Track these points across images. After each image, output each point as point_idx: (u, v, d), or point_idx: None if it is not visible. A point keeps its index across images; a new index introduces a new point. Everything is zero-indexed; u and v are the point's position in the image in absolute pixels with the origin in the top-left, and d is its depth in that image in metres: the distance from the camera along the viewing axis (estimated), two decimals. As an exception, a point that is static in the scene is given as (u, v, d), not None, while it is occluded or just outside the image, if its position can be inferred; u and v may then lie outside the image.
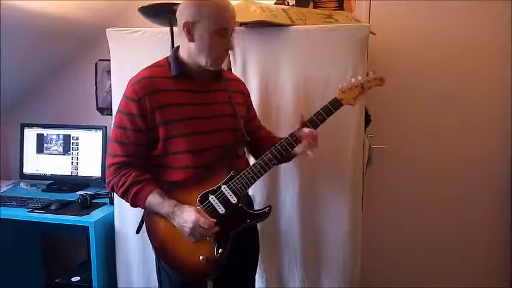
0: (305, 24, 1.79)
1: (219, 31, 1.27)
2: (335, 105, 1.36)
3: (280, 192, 1.85)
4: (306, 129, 1.33)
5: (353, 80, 1.37)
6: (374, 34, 1.79)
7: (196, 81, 1.34)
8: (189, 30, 1.26)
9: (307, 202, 1.83)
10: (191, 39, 1.27)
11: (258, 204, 1.81)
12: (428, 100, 2.20)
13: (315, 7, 2.12)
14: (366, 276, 1.97)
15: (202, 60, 1.29)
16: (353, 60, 1.71)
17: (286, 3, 2.11)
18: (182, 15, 1.28)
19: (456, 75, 2.16)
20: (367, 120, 1.94)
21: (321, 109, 1.35)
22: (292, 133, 1.34)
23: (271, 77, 1.79)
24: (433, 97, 2.19)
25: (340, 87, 1.36)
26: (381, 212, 2.28)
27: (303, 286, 1.88)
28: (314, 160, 1.70)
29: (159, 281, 1.42)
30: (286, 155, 1.35)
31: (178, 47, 1.36)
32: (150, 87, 1.26)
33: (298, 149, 1.36)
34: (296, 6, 2.09)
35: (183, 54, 1.33)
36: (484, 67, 2.14)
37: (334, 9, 2.09)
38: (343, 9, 2.11)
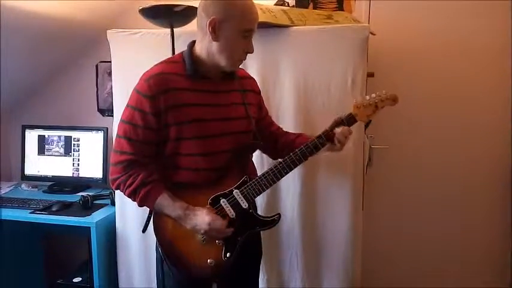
0: (305, 25, 1.79)
1: (244, 32, 1.23)
2: (350, 121, 1.34)
3: (281, 193, 1.85)
4: (341, 129, 1.32)
5: (367, 97, 1.35)
6: (374, 34, 1.80)
7: (210, 81, 1.30)
8: (215, 29, 1.20)
9: (307, 202, 1.83)
10: (215, 38, 1.22)
11: (258, 205, 1.82)
12: (429, 100, 2.20)
13: (314, 8, 2.12)
14: (366, 277, 1.97)
15: (222, 61, 1.25)
16: (353, 61, 1.71)
17: (286, 4, 2.12)
18: (207, 12, 1.21)
19: (456, 75, 2.17)
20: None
21: (336, 123, 1.34)
22: (307, 144, 1.32)
23: (271, 77, 1.80)
24: (433, 97, 2.19)
25: (355, 103, 1.34)
26: (382, 213, 2.29)
27: (303, 286, 1.88)
28: (314, 161, 1.71)
29: (162, 283, 1.38)
30: (298, 165, 1.35)
31: (193, 42, 1.31)
32: (165, 85, 1.21)
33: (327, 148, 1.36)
34: (296, 7, 2.09)
35: (200, 51, 1.27)
36: (484, 67, 2.14)
37: (334, 10, 2.09)
38: (343, 10, 2.11)
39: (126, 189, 1.25)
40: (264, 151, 1.58)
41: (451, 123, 2.20)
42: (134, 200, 1.27)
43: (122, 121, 1.27)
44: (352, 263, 1.84)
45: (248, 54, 1.31)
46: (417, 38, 2.15)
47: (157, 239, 1.31)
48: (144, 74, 1.26)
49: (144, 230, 1.38)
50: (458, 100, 2.18)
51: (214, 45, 1.24)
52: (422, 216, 2.29)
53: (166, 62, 1.31)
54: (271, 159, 1.61)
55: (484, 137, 2.19)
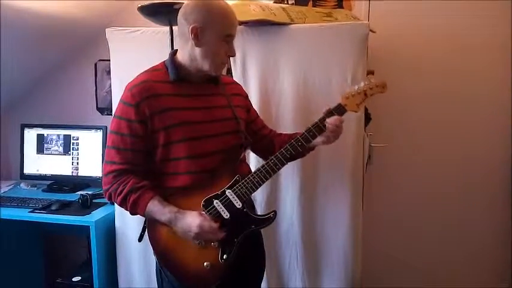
0: (304, 22, 1.79)
1: (226, 37, 1.26)
2: (340, 111, 1.34)
3: (281, 192, 1.85)
4: (332, 119, 1.31)
5: (356, 86, 1.35)
6: (374, 32, 1.79)
7: (194, 86, 1.32)
8: (197, 35, 1.23)
9: (307, 201, 1.82)
10: (198, 44, 1.24)
11: (258, 205, 1.81)
12: (428, 98, 2.20)
13: (314, 5, 2.12)
14: (366, 276, 1.97)
15: (206, 66, 1.27)
16: (353, 59, 1.70)
17: (286, 2, 2.11)
18: (188, 20, 1.24)
19: (456, 73, 2.16)
20: (367, 118, 1.94)
21: (326, 114, 1.33)
22: (298, 138, 1.32)
23: (271, 75, 1.79)
24: (432, 95, 2.19)
25: (343, 94, 1.34)
26: (381, 211, 2.28)
27: (303, 286, 1.87)
28: (314, 159, 1.72)
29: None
30: (290, 160, 1.34)
31: (175, 51, 1.33)
32: (148, 92, 1.23)
33: (319, 139, 1.35)
34: (295, 4, 2.09)
35: (183, 58, 1.29)
36: (484, 64, 2.14)
37: (334, 8, 2.09)
38: (343, 8, 2.11)
39: (117, 197, 1.25)
40: (261, 155, 1.55)
41: (451, 120, 2.20)
42: (126, 209, 1.27)
43: (110, 132, 1.28)
44: (352, 262, 1.83)
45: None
46: (417, 36, 2.15)
47: (153, 249, 1.31)
48: (127, 84, 1.27)
49: (140, 239, 1.38)
50: (458, 98, 2.18)
51: (197, 51, 1.26)
52: (423, 215, 2.28)
53: (149, 70, 1.32)
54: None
55: (484, 134, 2.19)
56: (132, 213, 1.28)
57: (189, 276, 1.29)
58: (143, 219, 1.37)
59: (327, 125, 1.32)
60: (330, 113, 1.34)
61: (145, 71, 1.31)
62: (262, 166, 1.32)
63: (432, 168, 2.25)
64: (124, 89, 1.27)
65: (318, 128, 1.33)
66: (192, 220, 1.22)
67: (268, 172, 1.31)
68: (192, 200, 1.28)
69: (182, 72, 1.30)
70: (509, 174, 2.20)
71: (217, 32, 1.24)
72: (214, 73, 1.31)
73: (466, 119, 2.19)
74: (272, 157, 1.32)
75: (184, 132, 1.26)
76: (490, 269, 2.28)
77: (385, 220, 2.29)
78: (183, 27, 1.26)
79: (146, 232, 1.34)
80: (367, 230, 1.94)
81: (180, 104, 1.27)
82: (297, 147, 1.32)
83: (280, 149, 1.33)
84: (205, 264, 1.27)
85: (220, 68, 1.32)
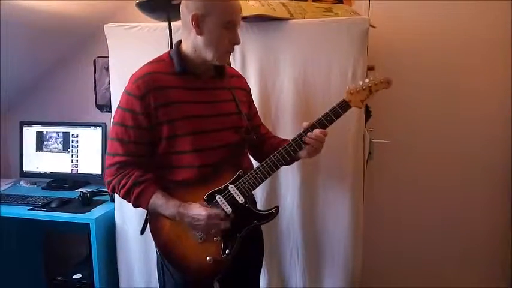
0: (304, 17, 1.78)
1: (228, 24, 1.24)
2: (344, 107, 1.33)
3: (281, 189, 1.84)
4: (316, 131, 1.31)
5: (360, 82, 1.35)
6: (374, 27, 1.78)
7: (199, 79, 1.31)
8: (198, 23, 1.22)
9: (307, 198, 1.82)
10: (199, 32, 1.23)
11: (258, 201, 1.81)
12: (429, 94, 2.19)
13: (314, 0, 2.10)
14: (367, 274, 1.96)
15: (210, 55, 1.26)
16: (353, 54, 1.69)
17: (285, -3, 2.10)
18: (189, 8, 1.23)
19: (456, 70, 2.15)
20: (368, 114, 1.93)
21: (329, 111, 1.33)
22: (301, 133, 1.32)
23: (271, 71, 1.78)
24: (433, 92, 2.18)
25: (347, 89, 1.33)
26: (382, 207, 2.27)
27: (304, 283, 1.87)
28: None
29: (162, 281, 1.38)
30: (293, 156, 1.34)
31: (180, 41, 1.32)
32: (154, 84, 1.23)
33: (302, 153, 1.34)
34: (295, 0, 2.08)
35: (187, 48, 1.28)
36: (485, 60, 2.13)
37: (334, 3, 2.08)
38: (343, 3, 2.09)
39: (120, 189, 1.25)
40: (251, 153, 1.54)
41: (452, 117, 2.19)
42: (129, 201, 1.27)
43: (113, 123, 1.27)
44: (352, 260, 1.83)
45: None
46: (417, 31, 2.13)
47: (154, 241, 1.31)
48: (132, 75, 1.27)
49: (142, 232, 1.38)
50: (459, 93, 2.17)
51: (200, 40, 1.25)
52: (423, 212, 2.28)
53: (154, 61, 1.31)
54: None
55: (484, 131, 2.18)
56: (135, 206, 1.28)
57: (190, 270, 1.29)
58: (143, 215, 1.37)
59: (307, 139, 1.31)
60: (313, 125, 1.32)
61: (150, 62, 1.30)
62: (266, 162, 1.31)
63: (433, 165, 2.24)
64: (128, 79, 1.26)
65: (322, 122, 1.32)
66: (198, 213, 1.22)
67: (271, 168, 1.31)
68: (195, 194, 1.28)
69: (188, 64, 1.29)
70: (510, 172, 2.19)
71: (218, 18, 1.22)
72: (219, 62, 1.30)
73: (467, 115, 2.18)
74: (275, 153, 1.31)
75: (189, 126, 1.26)
76: (490, 269, 2.27)
77: (385, 216, 2.29)
78: (184, 16, 1.25)
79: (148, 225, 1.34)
80: (368, 227, 1.93)
81: (185, 97, 1.27)
82: (301, 144, 1.32)
83: (272, 151, 1.33)
84: (207, 258, 1.27)
85: (224, 57, 1.30)
